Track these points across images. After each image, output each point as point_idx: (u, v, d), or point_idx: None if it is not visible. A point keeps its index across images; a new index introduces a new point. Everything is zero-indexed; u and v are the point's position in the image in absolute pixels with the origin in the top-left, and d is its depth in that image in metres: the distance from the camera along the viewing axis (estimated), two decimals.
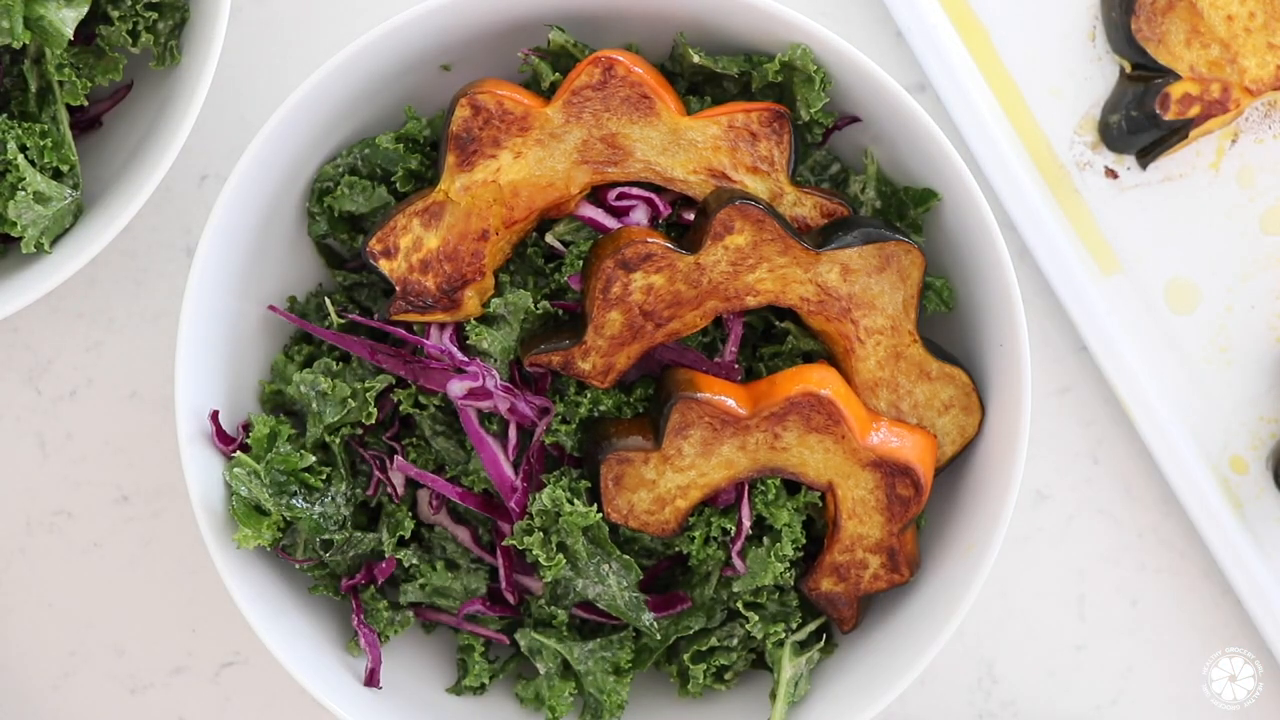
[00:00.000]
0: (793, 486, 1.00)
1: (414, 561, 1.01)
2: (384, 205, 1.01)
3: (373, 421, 1.00)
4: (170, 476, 1.10)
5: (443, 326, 1.00)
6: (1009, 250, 0.98)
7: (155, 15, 1.01)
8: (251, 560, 1.00)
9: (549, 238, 1.00)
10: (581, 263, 0.99)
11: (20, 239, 1.03)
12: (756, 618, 1.00)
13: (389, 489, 1.02)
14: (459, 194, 0.97)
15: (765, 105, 0.97)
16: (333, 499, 1.00)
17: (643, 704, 1.04)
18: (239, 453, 0.99)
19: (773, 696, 1.00)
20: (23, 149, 1.00)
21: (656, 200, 0.99)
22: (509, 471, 1.00)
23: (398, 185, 1.01)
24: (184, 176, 1.09)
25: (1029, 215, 1.09)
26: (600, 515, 0.97)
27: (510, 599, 1.02)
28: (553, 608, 1.01)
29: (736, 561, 1.00)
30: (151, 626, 1.11)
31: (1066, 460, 1.12)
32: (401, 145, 1.01)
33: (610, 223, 0.99)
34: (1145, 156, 1.09)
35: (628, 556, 0.99)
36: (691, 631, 1.02)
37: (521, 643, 1.02)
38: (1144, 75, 1.07)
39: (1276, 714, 1.13)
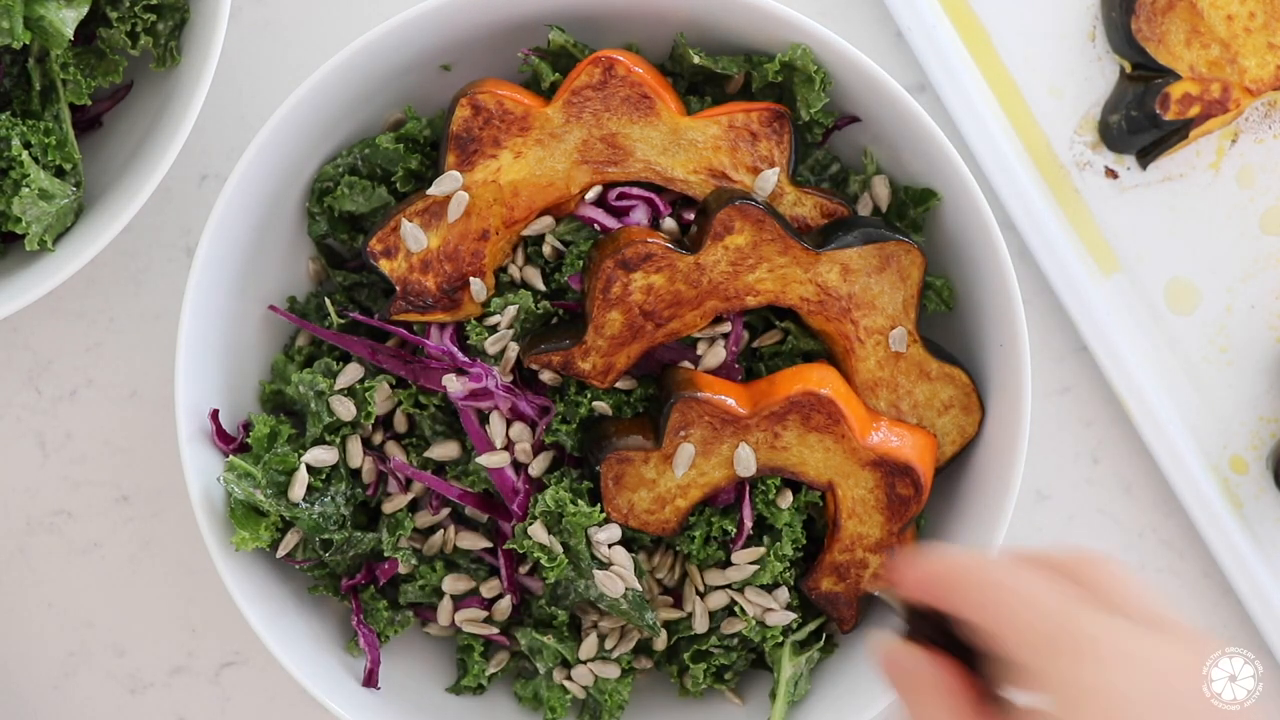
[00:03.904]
0: (793, 486, 1.00)
1: (414, 562, 1.01)
2: (384, 205, 1.01)
3: (373, 421, 1.00)
4: (170, 476, 1.10)
5: (443, 326, 1.00)
6: (1009, 250, 0.98)
7: (154, 17, 1.01)
8: (251, 560, 1.00)
9: (549, 237, 1.00)
10: (581, 263, 0.99)
11: (21, 237, 1.03)
12: (753, 618, 1.00)
13: (389, 489, 1.02)
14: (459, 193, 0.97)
15: (765, 105, 0.97)
16: (332, 499, 1.00)
17: (643, 704, 1.04)
18: (234, 455, 0.99)
19: (773, 696, 1.00)
20: (27, 146, 1.00)
21: (656, 200, 0.99)
22: (510, 472, 1.00)
23: (398, 185, 1.01)
24: (184, 176, 1.09)
25: (1029, 215, 1.09)
26: (604, 516, 0.97)
27: (511, 599, 1.02)
28: (553, 608, 1.01)
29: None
30: (151, 626, 1.11)
31: (1066, 460, 1.12)
32: (401, 145, 1.01)
33: (610, 223, 0.99)
34: (1145, 156, 1.09)
35: (636, 555, 0.99)
36: (692, 631, 1.02)
37: (522, 642, 1.02)
38: (1144, 75, 1.07)
39: (1277, 714, 1.13)
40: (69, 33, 0.97)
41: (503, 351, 0.99)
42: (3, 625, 1.11)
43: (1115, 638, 0.72)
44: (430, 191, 0.98)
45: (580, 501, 0.97)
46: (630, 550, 1.00)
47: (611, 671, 1.01)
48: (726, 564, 1.01)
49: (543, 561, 0.97)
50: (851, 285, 0.97)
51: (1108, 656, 0.71)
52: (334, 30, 1.10)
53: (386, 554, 1.00)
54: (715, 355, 0.99)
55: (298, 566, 1.02)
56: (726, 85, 1.01)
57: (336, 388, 1.00)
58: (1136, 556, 1.12)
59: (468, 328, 0.99)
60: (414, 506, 1.02)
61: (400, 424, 1.02)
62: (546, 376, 0.99)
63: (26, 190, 0.98)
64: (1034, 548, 0.78)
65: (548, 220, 0.99)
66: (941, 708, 0.76)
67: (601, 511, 0.97)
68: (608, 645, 1.02)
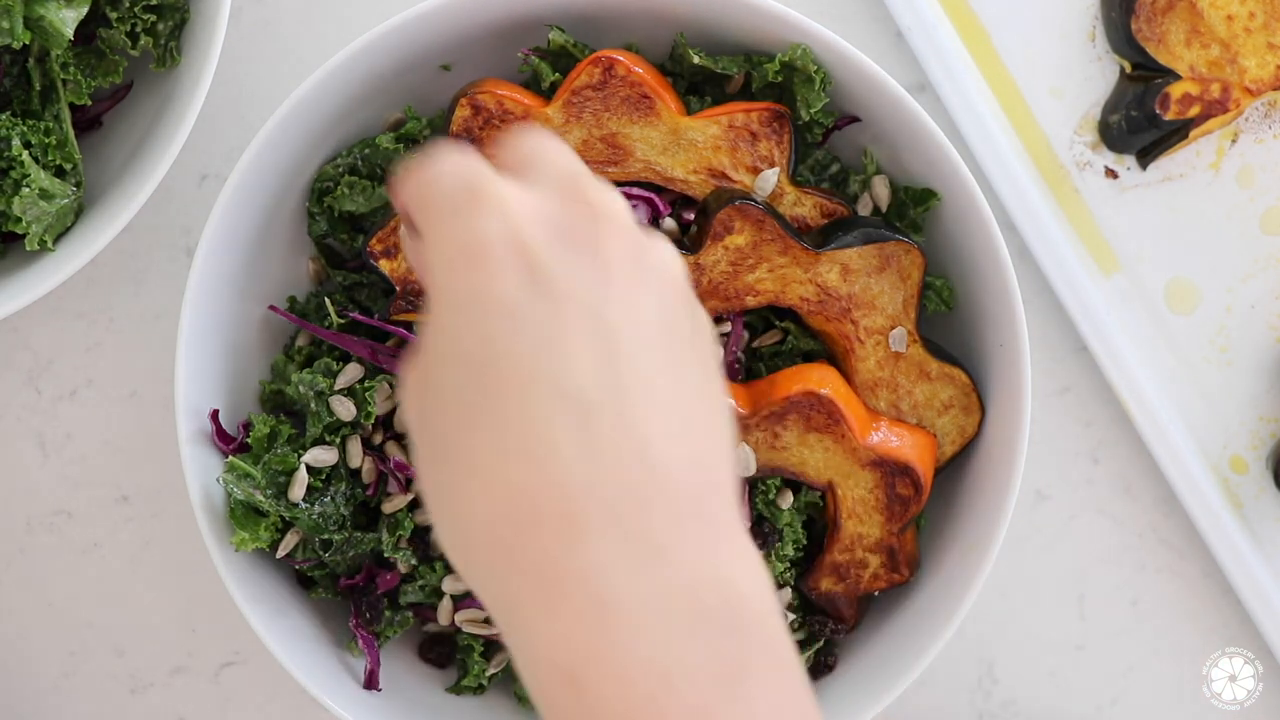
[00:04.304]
0: (793, 486, 1.00)
1: (413, 561, 1.01)
2: (384, 205, 1.01)
3: (373, 421, 1.00)
4: (170, 476, 1.10)
5: None
6: (1009, 250, 0.98)
7: (154, 17, 1.01)
8: (251, 560, 1.00)
9: None
10: None
11: (21, 237, 1.03)
12: None
13: (389, 489, 1.02)
14: None
15: (765, 105, 0.97)
16: (332, 499, 1.00)
17: None
18: (233, 455, 0.99)
19: None
20: (27, 146, 1.00)
21: (656, 200, 0.99)
22: None
23: None
24: (184, 176, 1.09)
25: (1029, 215, 1.09)
26: None
27: None
28: None
29: None
30: (151, 626, 1.11)
31: (1066, 460, 1.12)
32: (402, 145, 1.01)
33: None
34: (1145, 156, 1.09)
35: None
36: None
37: None
38: (1144, 75, 1.07)
39: (1277, 714, 1.13)
40: (69, 33, 0.98)
41: None
42: (3, 625, 1.11)
43: (489, 192, 0.72)
44: None
45: None
46: None
47: None
48: None
49: None
50: (851, 285, 0.97)
51: (476, 206, 0.71)
52: (334, 30, 1.10)
53: (386, 554, 1.00)
54: None
55: (297, 567, 1.02)
56: (726, 85, 1.01)
57: (336, 388, 1.00)
58: (1136, 556, 1.12)
59: None
60: (414, 506, 1.02)
61: (400, 424, 1.02)
62: None
63: (27, 190, 0.98)
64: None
65: None
66: None
67: None
68: None
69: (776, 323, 1.00)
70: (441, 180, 0.73)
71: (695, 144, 0.97)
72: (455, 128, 0.97)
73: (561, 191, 0.73)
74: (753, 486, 0.99)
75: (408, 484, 1.02)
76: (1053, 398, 1.11)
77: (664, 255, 0.74)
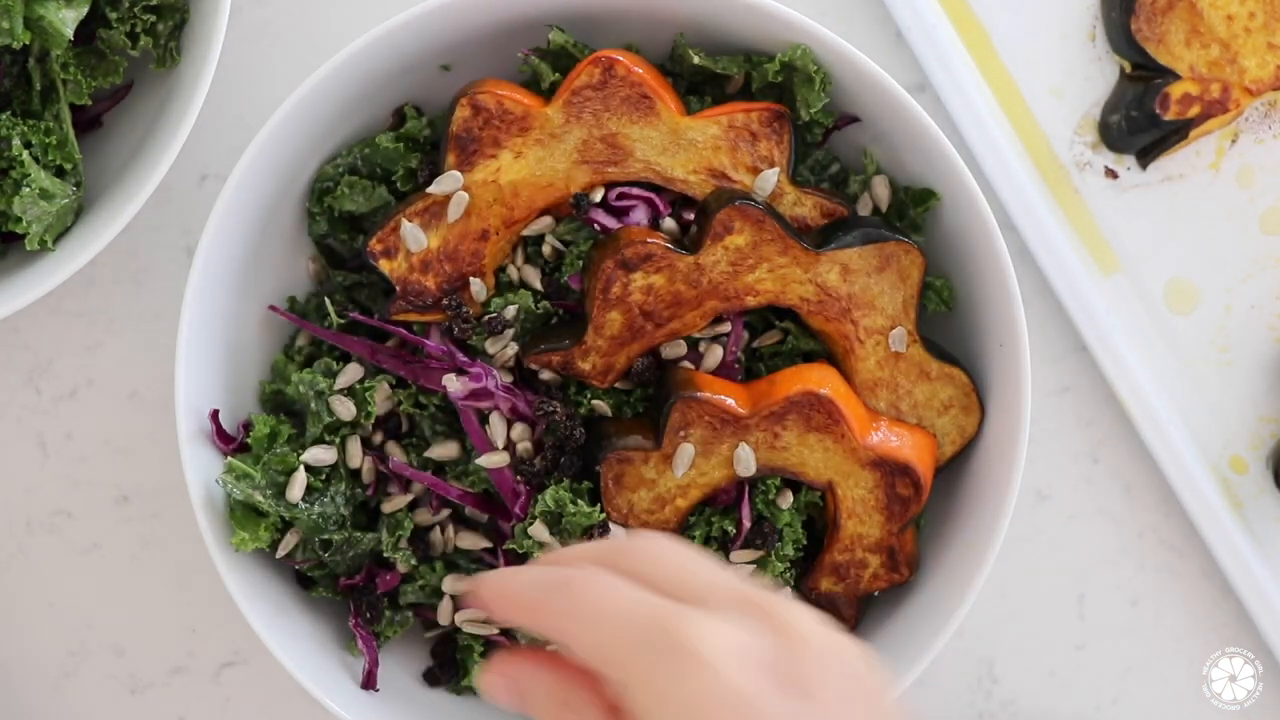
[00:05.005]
0: (793, 486, 1.00)
1: (413, 561, 1.01)
2: (384, 205, 1.01)
3: (373, 421, 1.00)
4: (170, 476, 1.10)
5: (443, 326, 1.00)
6: (1009, 250, 0.98)
7: (154, 17, 1.01)
8: (251, 560, 1.00)
9: (549, 238, 1.00)
10: (581, 263, 0.99)
11: (21, 237, 1.03)
12: None
13: (389, 489, 1.02)
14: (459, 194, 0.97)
15: (765, 105, 0.97)
16: (332, 499, 1.00)
17: None
18: (233, 455, 0.99)
19: None
20: (27, 145, 1.00)
21: (656, 200, 0.99)
22: (510, 473, 1.00)
23: (398, 185, 1.01)
24: (184, 176, 1.09)
25: (1029, 215, 1.09)
26: (604, 516, 0.97)
27: None
28: None
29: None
30: (151, 626, 1.11)
31: (1066, 460, 1.12)
32: (401, 145, 1.01)
33: (610, 223, 0.99)
34: (1145, 157, 1.09)
35: None
36: None
37: (522, 642, 1.02)
38: (1144, 75, 1.07)
39: (1277, 714, 1.13)
40: (69, 33, 0.98)
41: (503, 351, 0.99)
42: (3, 625, 1.11)
43: (693, 640, 0.69)
44: (430, 190, 0.98)
45: (580, 501, 0.97)
46: None
47: None
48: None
49: None
50: (851, 285, 0.97)
51: (683, 660, 0.68)
52: (334, 30, 1.10)
53: (386, 554, 1.00)
54: (715, 355, 0.99)
55: (297, 567, 1.02)
56: (726, 85, 1.01)
57: (336, 388, 1.00)
58: (1136, 556, 1.12)
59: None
60: (414, 506, 1.02)
61: (400, 424, 1.02)
62: (546, 376, 1.00)
63: (27, 190, 0.98)
64: (577, 547, 0.76)
65: (548, 220, 0.99)
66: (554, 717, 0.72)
67: (601, 511, 0.97)
68: None
69: (776, 323, 1.00)
70: (631, 622, 0.70)
71: (695, 144, 0.97)
72: (455, 128, 0.97)
73: (755, 618, 0.70)
74: (753, 486, 0.99)
75: (407, 484, 1.02)
76: (1053, 398, 1.11)
77: (874, 680, 0.72)
